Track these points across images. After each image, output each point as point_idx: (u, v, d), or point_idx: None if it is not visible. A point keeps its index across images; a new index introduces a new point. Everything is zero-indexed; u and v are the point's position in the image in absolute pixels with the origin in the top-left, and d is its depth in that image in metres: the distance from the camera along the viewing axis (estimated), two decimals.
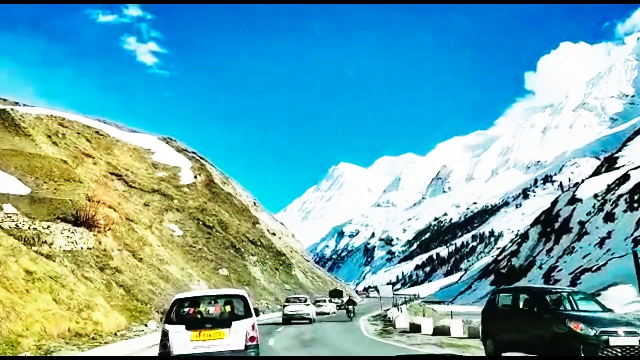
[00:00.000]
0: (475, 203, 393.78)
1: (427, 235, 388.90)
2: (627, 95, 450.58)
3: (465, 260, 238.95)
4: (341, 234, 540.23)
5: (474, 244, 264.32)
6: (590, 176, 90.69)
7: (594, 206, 72.53)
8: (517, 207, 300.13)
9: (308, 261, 47.73)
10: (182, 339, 8.71)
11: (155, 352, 10.36)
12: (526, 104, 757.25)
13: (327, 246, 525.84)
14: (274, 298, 37.10)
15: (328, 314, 37.12)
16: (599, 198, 72.51)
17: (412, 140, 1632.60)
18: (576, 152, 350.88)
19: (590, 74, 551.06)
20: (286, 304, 29.11)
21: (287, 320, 27.21)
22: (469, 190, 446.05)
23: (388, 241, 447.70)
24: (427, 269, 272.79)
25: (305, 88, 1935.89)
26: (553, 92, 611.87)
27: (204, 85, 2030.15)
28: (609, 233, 63.76)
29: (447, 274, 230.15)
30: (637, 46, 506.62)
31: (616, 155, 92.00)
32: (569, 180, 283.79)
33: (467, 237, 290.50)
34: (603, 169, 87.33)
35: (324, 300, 39.82)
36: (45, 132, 37.82)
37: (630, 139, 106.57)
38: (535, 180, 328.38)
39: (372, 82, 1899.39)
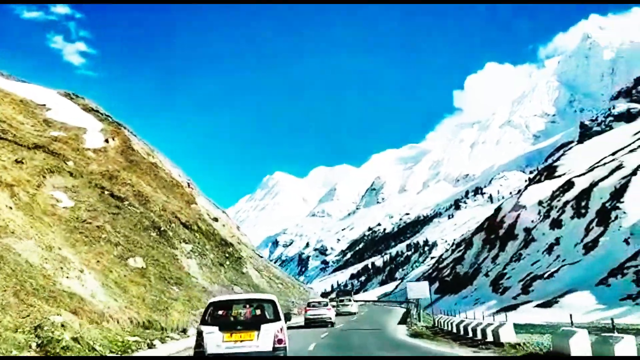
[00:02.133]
0: (407, 214, 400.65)
1: (361, 245, 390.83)
2: (548, 114, 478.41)
3: (401, 269, 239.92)
4: (275, 244, 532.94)
5: (409, 253, 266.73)
6: (531, 184, 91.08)
7: (539, 213, 71.85)
8: (449, 218, 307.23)
9: (261, 257, 36.67)
10: (215, 339, 9.24)
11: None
12: (455, 120, 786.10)
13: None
14: None
15: (355, 313, 38.93)
16: (544, 205, 71.97)
17: (348, 151, 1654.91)
18: (503, 166, 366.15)
19: (514, 93, 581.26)
20: (308, 308, 29.55)
21: (308, 324, 27.62)
22: (402, 201, 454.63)
23: (322, 251, 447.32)
24: (363, 278, 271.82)
25: (240, 97, 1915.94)
26: (480, 110, 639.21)
27: (134, 89, 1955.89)
28: (557, 239, 62.79)
29: (383, 283, 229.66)
30: (558, 69, 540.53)
31: (555, 164, 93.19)
32: (498, 192, 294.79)
33: (401, 246, 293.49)
34: (543, 177, 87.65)
35: (349, 299, 43.07)
36: None
37: (561, 147, 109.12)
38: (467, 192, 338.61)
39: (308, 94, 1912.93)
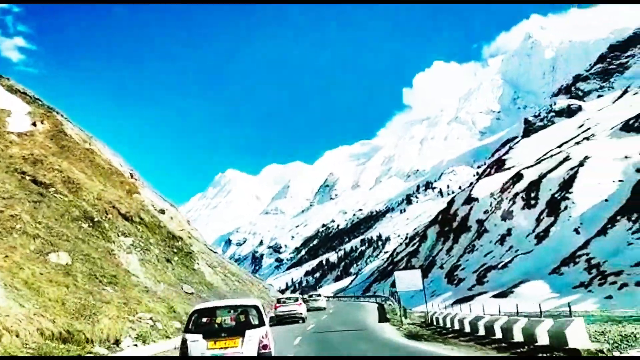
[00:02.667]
0: (361, 210, 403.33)
1: (315, 242, 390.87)
2: (493, 111, 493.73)
3: (355, 265, 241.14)
4: (228, 243, 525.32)
5: (363, 248, 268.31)
6: (482, 177, 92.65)
7: (490, 205, 72.94)
8: (401, 213, 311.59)
9: (215, 252, 33.05)
10: (199, 348, 9.16)
11: None
12: (405, 117, 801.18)
13: None
14: (165, 308, 20.05)
15: (324, 308, 39.21)
16: (496, 197, 73.11)
17: (300, 148, 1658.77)
18: (452, 162, 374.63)
19: (461, 90, 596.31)
20: (278, 305, 28.65)
21: (279, 321, 26.64)
22: (355, 197, 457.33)
23: (276, 248, 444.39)
24: (317, 274, 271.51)
25: (189, 94, 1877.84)
26: (429, 107, 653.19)
27: (77, 86, 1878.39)
28: (509, 230, 63.82)
29: (337, 278, 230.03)
30: (502, 67, 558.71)
31: (504, 157, 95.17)
32: (448, 186, 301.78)
33: (355, 242, 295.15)
34: (493, 170, 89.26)
35: (319, 295, 44.81)
36: None
37: (506, 143, 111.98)
38: (418, 187, 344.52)
39: (259, 91, 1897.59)
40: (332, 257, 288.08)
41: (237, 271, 30.51)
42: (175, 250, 25.02)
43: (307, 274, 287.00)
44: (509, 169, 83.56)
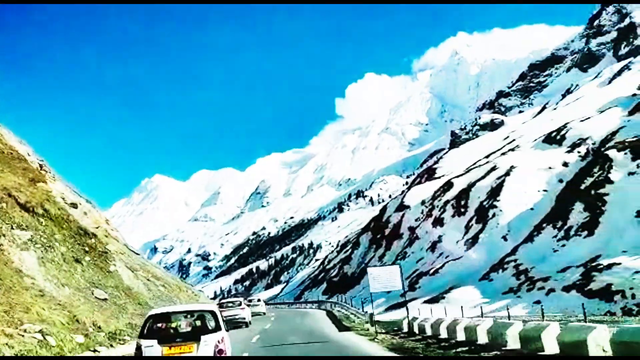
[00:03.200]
0: (292, 217, 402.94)
1: (245, 250, 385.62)
2: (422, 123, 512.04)
3: (286, 273, 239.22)
4: (154, 250, 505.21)
5: (294, 256, 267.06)
6: (414, 185, 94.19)
7: (422, 212, 73.87)
8: (333, 220, 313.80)
9: (137, 254, 28.98)
10: (154, 353, 9.08)
11: None
12: (337, 126, 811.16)
13: None
14: (66, 317, 15.94)
15: (264, 314, 39.00)
16: (427, 204, 74.14)
17: (232, 155, 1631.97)
18: (382, 171, 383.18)
19: (391, 102, 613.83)
20: (220, 309, 25.71)
21: None
22: (287, 205, 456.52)
23: (205, 256, 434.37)
24: (247, 282, 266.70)
25: (116, 95, 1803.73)
26: (360, 117, 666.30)
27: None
28: (440, 237, 64.63)
29: (268, 286, 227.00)
30: (430, 81, 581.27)
31: (434, 166, 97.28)
32: (378, 195, 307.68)
33: (286, 249, 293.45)
34: (424, 179, 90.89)
35: (258, 300, 44.59)
36: None
37: (434, 154, 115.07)
38: (349, 195, 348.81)
39: (192, 96, 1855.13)
40: (263, 264, 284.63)
41: (162, 275, 27.13)
42: (87, 249, 21.22)
43: (236, 282, 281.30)
44: (439, 177, 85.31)
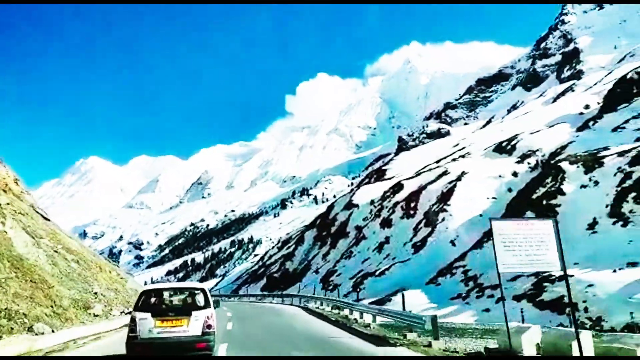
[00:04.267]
0: (233, 211, 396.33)
1: (181, 241, 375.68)
2: (370, 127, 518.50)
3: (222, 266, 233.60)
4: (83, 235, 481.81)
5: (232, 250, 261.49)
6: (363, 184, 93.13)
7: (370, 212, 72.53)
8: (275, 216, 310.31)
9: (48, 220, 23.38)
10: (148, 325, 9.75)
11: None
12: (286, 123, 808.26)
13: None
14: None
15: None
16: (376, 204, 72.88)
17: (175, 142, 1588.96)
18: (328, 171, 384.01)
19: (341, 104, 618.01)
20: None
21: None
22: (229, 197, 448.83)
23: (137, 245, 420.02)
24: (181, 274, 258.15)
25: (57, 69, 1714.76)
26: (310, 116, 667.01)
27: None
28: (387, 238, 63.40)
29: (202, 279, 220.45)
30: (381, 87, 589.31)
31: (384, 168, 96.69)
32: (323, 194, 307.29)
33: (224, 243, 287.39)
34: (373, 179, 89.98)
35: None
36: None
37: (380, 158, 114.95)
38: (293, 193, 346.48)
39: (138, 80, 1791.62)
40: (199, 257, 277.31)
41: (78, 249, 22.06)
42: None
43: (169, 273, 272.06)
44: (389, 179, 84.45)
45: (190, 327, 9.74)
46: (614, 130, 62.37)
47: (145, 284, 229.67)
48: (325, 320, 22.92)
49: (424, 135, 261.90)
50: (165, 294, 11.05)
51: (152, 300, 10.45)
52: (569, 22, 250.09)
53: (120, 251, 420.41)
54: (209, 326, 9.93)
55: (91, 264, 20.95)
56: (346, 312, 25.99)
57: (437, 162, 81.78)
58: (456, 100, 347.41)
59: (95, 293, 19.10)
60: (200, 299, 10.47)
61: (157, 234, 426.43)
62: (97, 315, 17.77)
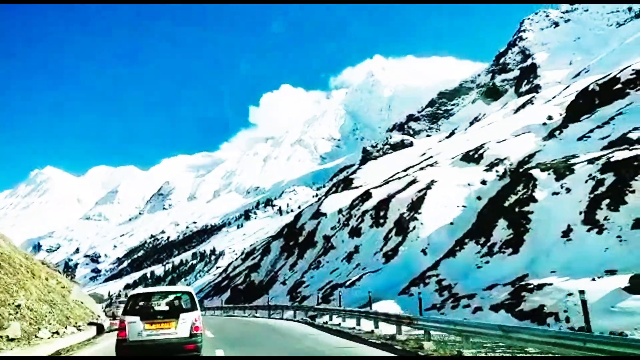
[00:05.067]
0: (195, 222, 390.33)
1: (140, 253, 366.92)
2: (334, 139, 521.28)
3: (184, 279, 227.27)
4: (37, 247, 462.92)
5: (194, 262, 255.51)
6: (331, 193, 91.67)
7: (339, 221, 70.85)
8: (238, 228, 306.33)
9: None
10: (137, 328, 10.02)
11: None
12: (250, 133, 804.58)
13: None
14: None
15: None
16: (344, 213, 71.28)
17: (135, 152, 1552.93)
18: (292, 182, 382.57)
19: (306, 115, 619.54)
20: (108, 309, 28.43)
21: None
22: (191, 209, 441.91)
23: (95, 258, 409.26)
24: (139, 288, 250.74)
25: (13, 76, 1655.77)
26: (273, 127, 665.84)
27: None
28: (357, 248, 61.68)
29: None
30: (345, 99, 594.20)
31: (351, 177, 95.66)
32: (287, 205, 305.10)
33: (186, 255, 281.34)
34: (341, 188, 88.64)
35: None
36: None
37: (344, 169, 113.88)
38: (257, 203, 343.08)
39: (96, 88, 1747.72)
40: (159, 270, 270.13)
41: (4, 248, 17.36)
42: None
43: (127, 287, 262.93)
44: (357, 187, 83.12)
45: (179, 329, 10.14)
46: (580, 139, 62.83)
47: (119, 296, 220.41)
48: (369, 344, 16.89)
49: (388, 147, 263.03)
50: (153, 298, 11.42)
51: (141, 303, 10.85)
52: (526, 38, 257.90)
53: (76, 264, 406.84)
54: (197, 328, 10.33)
55: (20, 268, 16.68)
56: (325, 318, 25.35)
57: (405, 170, 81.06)
58: (418, 112, 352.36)
59: (18, 306, 14.83)
60: (187, 302, 10.89)
61: (115, 246, 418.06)
62: (12, 339, 13.18)
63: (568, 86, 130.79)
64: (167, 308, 11.12)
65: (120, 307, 26.73)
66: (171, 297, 11.64)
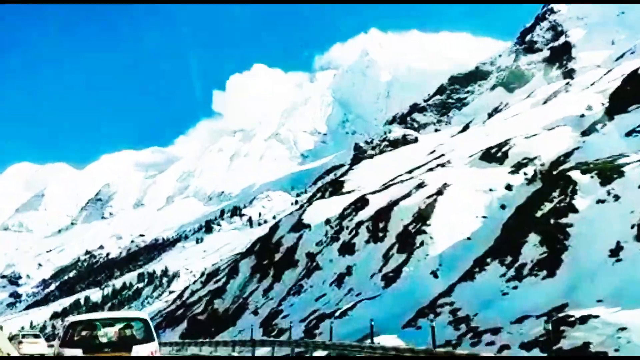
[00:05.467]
0: (142, 235, 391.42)
1: (72, 274, 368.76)
2: (319, 133, 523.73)
3: (127, 306, 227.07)
4: None
5: (140, 285, 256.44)
6: (316, 199, 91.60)
7: (326, 234, 70.55)
8: (197, 242, 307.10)
9: None
10: None
11: None
12: (213, 124, 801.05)
13: None
14: None
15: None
16: (333, 225, 70.91)
17: (67, 146, 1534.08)
18: (266, 185, 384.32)
19: (284, 103, 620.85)
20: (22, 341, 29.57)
21: None
22: (137, 218, 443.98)
23: (14, 279, 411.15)
24: (78, 315, 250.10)
25: None
26: (243, 117, 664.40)
27: None
28: (349, 268, 61.15)
29: None
30: (333, 83, 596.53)
31: (341, 179, 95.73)
32: (260, 215, 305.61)
33: (130, 276, 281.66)
34: (327, 194, 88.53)
35: (36, 336, 39.37)
36: None
37: (332, 170, 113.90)
38: (222, 212, 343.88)
39: (21, 72, 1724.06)
40: (95, 295, 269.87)
41: None
42: None
43: (55, 316, 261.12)
44: (349, 192, 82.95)
45: None
46: (628, 134, 63.11)
47: (23, 329, 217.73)
48: None
49: (386, 143, 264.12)
50: (98, 326, 11.44)
51: (83, 333, 10.95)
52: (558, 11, 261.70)
53: None
54: None
55: None
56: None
57: (410, 172, 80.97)
58: (424, 101, 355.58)
59: None
60: (141, 331, 11.06)
61: (40, 264, 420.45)
62: None
63: (610, 70, 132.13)
64: (115, 339, 11.26)
65: (25, 342, 29.09)
66: (121, 324, 11.52)
